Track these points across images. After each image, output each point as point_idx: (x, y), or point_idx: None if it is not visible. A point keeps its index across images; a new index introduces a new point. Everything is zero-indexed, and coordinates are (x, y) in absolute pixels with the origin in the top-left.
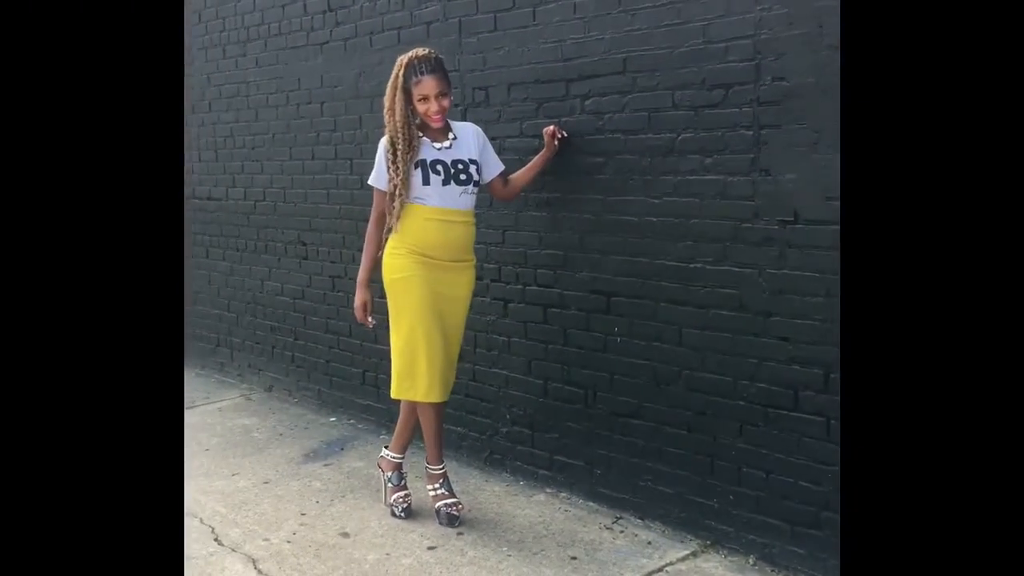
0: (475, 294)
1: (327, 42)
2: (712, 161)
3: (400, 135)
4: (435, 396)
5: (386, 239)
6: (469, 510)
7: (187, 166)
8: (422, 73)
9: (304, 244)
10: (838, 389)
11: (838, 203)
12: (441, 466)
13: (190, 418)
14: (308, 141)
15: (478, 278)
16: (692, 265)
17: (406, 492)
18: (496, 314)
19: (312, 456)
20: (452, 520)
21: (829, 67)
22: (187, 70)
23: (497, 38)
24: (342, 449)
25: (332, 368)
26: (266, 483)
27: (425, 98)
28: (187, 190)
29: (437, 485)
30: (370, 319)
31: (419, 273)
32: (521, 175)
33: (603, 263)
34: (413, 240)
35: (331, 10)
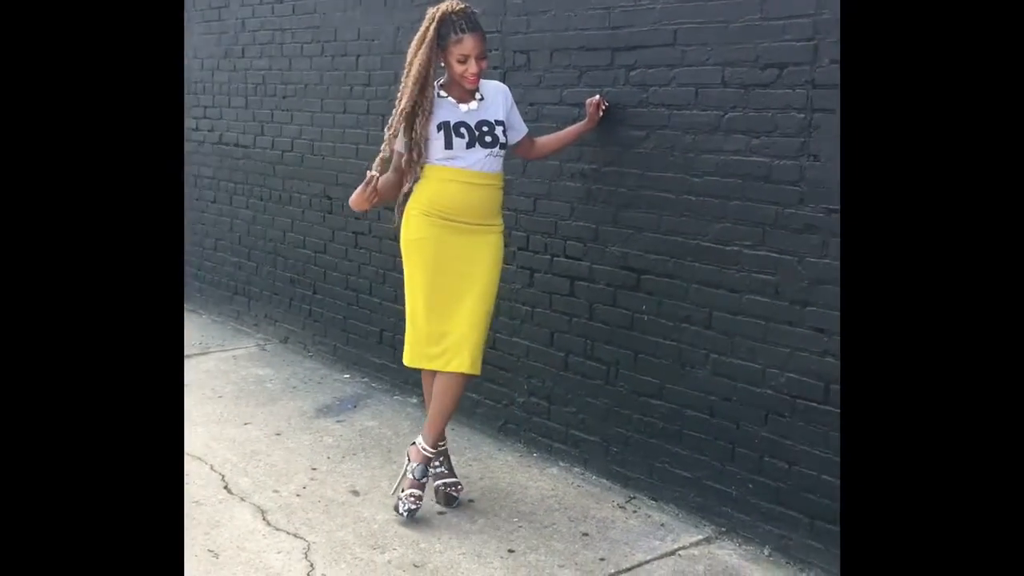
0: (502, 261)
1: None
2: (759, 142)
3: (408, 95)
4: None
5: (401, 207)
6: (467, 491)
7: (216, 111)
8: (462, 31)
9: (329, 199)
10: None
11: None
12: (441, 443)
13: (204, 364)
14: (341, 94)
15: (505, 244)
16: (729, 248)
17: (421, 495)
18: (521, 283)
19: (325, 411)
20: (450, 500)
21: None
22: (221, 14)
23: (543, 1)
24: (355, 407)
25: (349, 325)
26: (278, 435)
27: (465, 58)
28: (214, 135)
29: (437, 463)
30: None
31: (433, 235)
32: (552, 140)
33: (636, 239)
34: (431, 202)
35: None
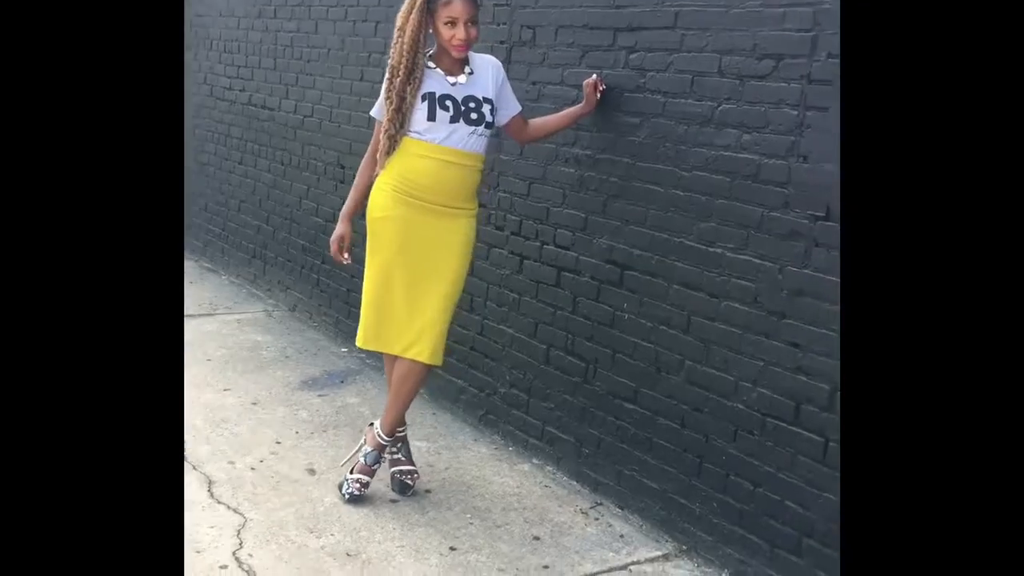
0: (494, 245)
1: None
2: (750, 138)
3: (403, 61)
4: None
5: (376, 177)
6: (427, 480)
7: (248, 72)
8: None
9: (343, 167)
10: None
11: None
12: (401, 429)
13: (207, 325)
14: (359, 61)
15: (498, 228)
16: (712, 249)
17: (368, 481)
18: (511, 269)
19: (310, 384)
20: (404, 488)
21: None
22: None
23: None
24: (342, 382)
25: (352, 298)
26: (254, 404)
27: (453, 22)
28: (244, 96)
29: (395, 448)
30: (346, 256)
31: (400, 214)
32: (548, 122)
33: (623, 232)
34: (402, 178)
35: None
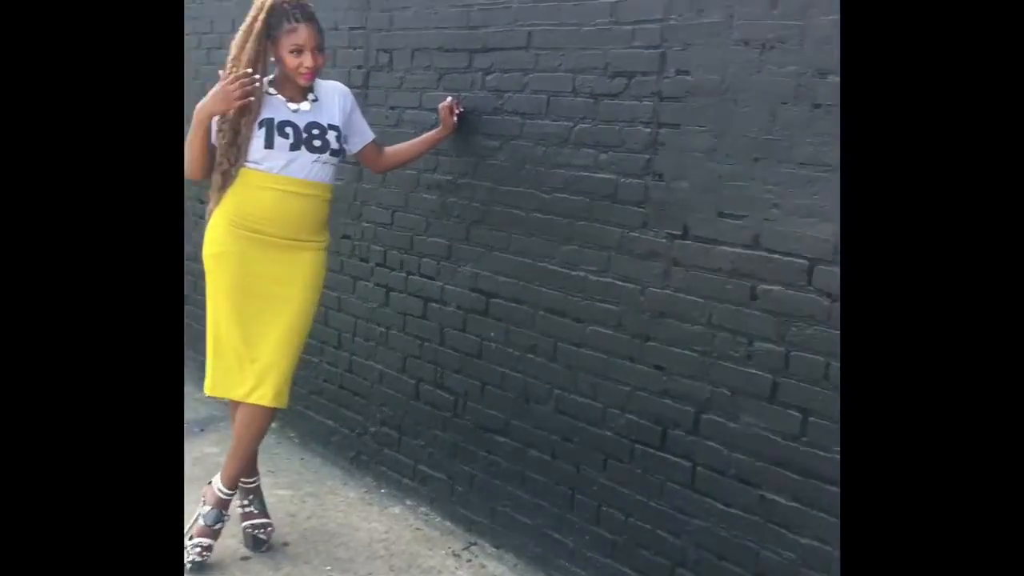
0: (360, 278)
1: None
2: (607, 158)
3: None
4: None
5: (210, 212)
6: (287, 532)
7: None
8: (297, 20)
9: (202, 203)
10: (707, 431)
11: (731, 220)
12: (252, 480)
13: None
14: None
15: (363, 260)
16: (575, 272)
17: (210, 543)
18: (378, 302)
19: None
20: (258, 544)
21: (735, 64)
22: None
23: None
24: (202, 430)
25: None
26: None
27: (299, 50)
28: None
29: (246, 501)
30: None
31: (237, 250)
32: (403, 150)
33: (487, 259)
34: (239, 211)
35: None
